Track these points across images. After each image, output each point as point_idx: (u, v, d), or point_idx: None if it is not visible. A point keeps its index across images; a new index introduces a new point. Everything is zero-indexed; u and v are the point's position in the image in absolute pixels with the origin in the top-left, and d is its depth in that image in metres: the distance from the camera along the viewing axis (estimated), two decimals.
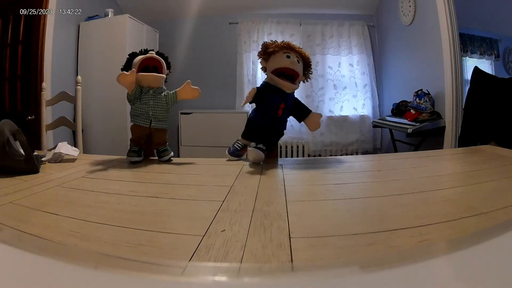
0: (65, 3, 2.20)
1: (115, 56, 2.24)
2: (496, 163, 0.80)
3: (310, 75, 0.89)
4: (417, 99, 2.20)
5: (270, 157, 0.89)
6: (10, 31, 2.18)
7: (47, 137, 1.49)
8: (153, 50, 0.89)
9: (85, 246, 0.34)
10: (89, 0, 2.54)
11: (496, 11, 2.71)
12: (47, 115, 1.58)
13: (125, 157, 0.85)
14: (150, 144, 0.88)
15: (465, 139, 1.63)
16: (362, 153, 2.98)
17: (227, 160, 0.87)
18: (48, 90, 1.89)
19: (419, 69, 2.46)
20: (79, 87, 1.43)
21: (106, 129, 2.40)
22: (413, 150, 2.20)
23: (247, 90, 0.87)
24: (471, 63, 2.74)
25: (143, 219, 0.43)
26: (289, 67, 0.81)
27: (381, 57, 3.09)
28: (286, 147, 2.97)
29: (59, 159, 0.85)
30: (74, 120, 1.48)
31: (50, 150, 1.00)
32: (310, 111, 0.89)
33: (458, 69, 2.03)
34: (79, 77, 1.46)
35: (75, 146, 0.96)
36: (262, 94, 0.84)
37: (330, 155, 2.98)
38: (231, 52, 3.06)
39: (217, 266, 0.29)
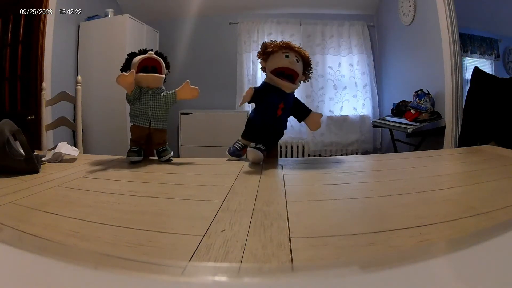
0: (65, 3, 2.20)
1: (115, 56, 2.24)
2: (496, 163, 0.80)
3: (310, 75, 0.89)
4: (417, 99, 2.20)
5: (270, 157, 0.89)
6: (10, 31, 2.18)
7: (47, 137, 1.49)
8: (152, 50, 0.89)
9: (85, 246, 0.34)
10: (89, 0, 2.54)
11: (496, 11, 2.71)
12: (47, 115, 1.58)
13: (125, 157, 0.85)
14: (150, 144, 0.88)
15: (465, 139, 1.63)
16: (362, 153, 2.98)
17: (227, 160, 0.87)
18: (48, 90, 1.89)
19: (419, 69, 2.46)
20: (79, 87, 1.43)
21: (106, 129, 2.40)
22: (413, 150, 2.20)
23: (247, 90, 0.86)
24: (471, 63, 2.74)
25: (143, 219, 0.43)
26: (288, 66, 0.81)
27: (381, 57, 3.09)
28: (286, 147, 2.97)
29: (59, 159, 0.85)
30: (74, 120, 1.48)
31: (50, 150, 1.00)
32: (311, 110, 0.89)
33: (458, 69, 2.03)
34: (79, 77, 1.46)
35: (75, 146, 0.96)
36: (261, 94, 0.84)
37: (330, 155, 2.98)
38: (231, 52, 3.06)
39: (217, 266, 0.29)
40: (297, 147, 2.97)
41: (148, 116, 0.85)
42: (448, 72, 2.04)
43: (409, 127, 2.11)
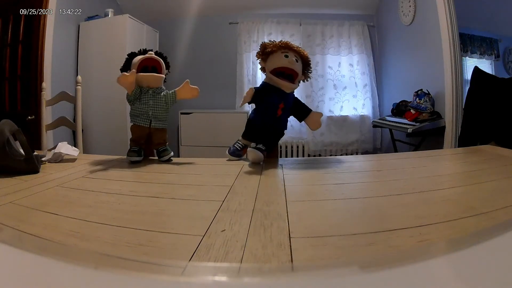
0: (65, 3, 2.20)
1: (115, 56, 2.24)
2: (496, 163, 0.80)
3: (310, 74, 0.89)
4: (417, 99, 2.20)
5: (270, 157, 0.89)
6: (10, 31, 2.18)
7: (47, 137, 1.49)
8: (152, 50, 0.89)
9: (85, 246, 0.34)
10: (89, 0, 2.54)
11: (496, 11, 2.71)
12: (47, 115, 1.58)
13: (125, 157, 0.85)
14: (150, 144, 0.88)
15: (465, 139, 1.63)
16: (362, 153, 2.98)
17: (227, 160, 0.87)
18: (48, 90, 1.89)
19: (419, 69, 2.46)
20: (79, 87, 1.43)
21: (106, 129, 2.40)
22: (413, 150, 2.20)
23: (247, 90, 0.86)
24: (471, 63, 2.74)
25: (143, 219, 0.43)
26: (288, 66, 0.81)
27: (381, 57, 3.09)
28: (286, 147, 2.97)
29: (59, 159, 0.85)
30: (74, 120, 1.48)
31: (50, 150, 1.00)
32: (311, 110, 0.89)
33: (458, 69, 2.03)
34: (79, 77, 1.46)
35: (75, 146, 0.96)
36: (261, 94, 0.84)
37: (330, 155, 2.98)
38: (231, 52, 3.06)
39: (217, 266, 0.29)
40: (297, 147, 2.97)
41: (149, 115, 0.85)
42: (448, 72, 2.04)
43: (409, 127, 2.11)
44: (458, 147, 1.70)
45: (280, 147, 2.91)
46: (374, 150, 3.08)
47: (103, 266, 0.28)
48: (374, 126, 2.76)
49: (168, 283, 0.25)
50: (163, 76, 0.89)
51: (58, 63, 2.20)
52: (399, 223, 0.39)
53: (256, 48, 2.90)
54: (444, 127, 2.08)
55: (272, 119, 0.85)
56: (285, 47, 0.82)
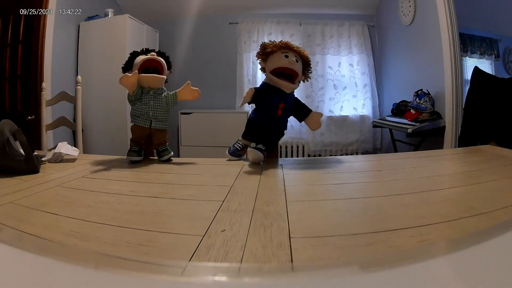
0: (65, 3, 2.20)
1: (115, 56, 2.24)
2: (496, 163, 0.80)
3: (310, 75, 0.89)
4: (417, 99, 2.20)
5: (270, 157, 0.89)
6: (10, 31, 2.18)
7: (47, 137, 1.49)
8: (154, 50, 0.89)
9: (85, 246, 0.34)
10: (89, 0, 2.54)
11: (496, 11, 2.71)
12: (47, 115, 1.58)
13: (125, 157, 0.85)
14: (150, 144, 0.88)
15: (465, 139, 1.63)
16: (362, 153, 2.98)
17: (227, 160, 0.87)
18: (48, 90, 1.89)
19: (419, 69, 2.46)
20: (79, 87, 1.43)
21: (106, 129, 2.40)
22: (413, 150, 2.20)
23: (247, 90, 0.86)
24: (471, 63, 2.74)
25: (143, 219, 0.43)
26: (288, 66, 0.81)
27: (381, 57, 3.09)
28: (286, 147, 2.97)
29: (59, 159, 0.85)
30: (74, 120, 1.48)
31: (50, 150, 1.00)
32: (311, 110, 0.89)
33: (458, 69, 2.03)
34: (79, 77, 1.46)
35: (75, 146, 0.96)
36: (261, 94, 0.84)
37: (330, 155, 2.98)
38: (231, 52, 3.06)
39: (217, 266, 0.29)
40: (297, 147, 2.97)
41: (149, 116, 0.85)
42: (448, 72, 2.04)
43: (409, 127, 2.11)
44: (458, 147, 1.70)
45: (280, 147, 2.91)
46: (374, 150, 3.08)
47: (103, 266, 0.28)
48: (374, 126, 2.76)
49: (168, 283, 0.25)
50: (164, 77, 0.89)
51: (58, 63, 2.20)
52: (399, 223, 0.39)
53: (256, 48, 2.90)
54: (444, 127, 2.08)
55: (272, 119, 0.85)
56: (285, 47, 0.82)
